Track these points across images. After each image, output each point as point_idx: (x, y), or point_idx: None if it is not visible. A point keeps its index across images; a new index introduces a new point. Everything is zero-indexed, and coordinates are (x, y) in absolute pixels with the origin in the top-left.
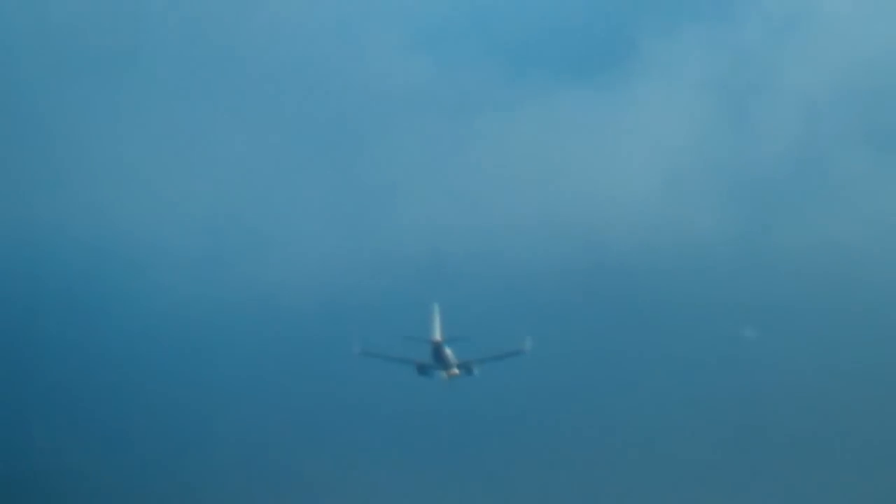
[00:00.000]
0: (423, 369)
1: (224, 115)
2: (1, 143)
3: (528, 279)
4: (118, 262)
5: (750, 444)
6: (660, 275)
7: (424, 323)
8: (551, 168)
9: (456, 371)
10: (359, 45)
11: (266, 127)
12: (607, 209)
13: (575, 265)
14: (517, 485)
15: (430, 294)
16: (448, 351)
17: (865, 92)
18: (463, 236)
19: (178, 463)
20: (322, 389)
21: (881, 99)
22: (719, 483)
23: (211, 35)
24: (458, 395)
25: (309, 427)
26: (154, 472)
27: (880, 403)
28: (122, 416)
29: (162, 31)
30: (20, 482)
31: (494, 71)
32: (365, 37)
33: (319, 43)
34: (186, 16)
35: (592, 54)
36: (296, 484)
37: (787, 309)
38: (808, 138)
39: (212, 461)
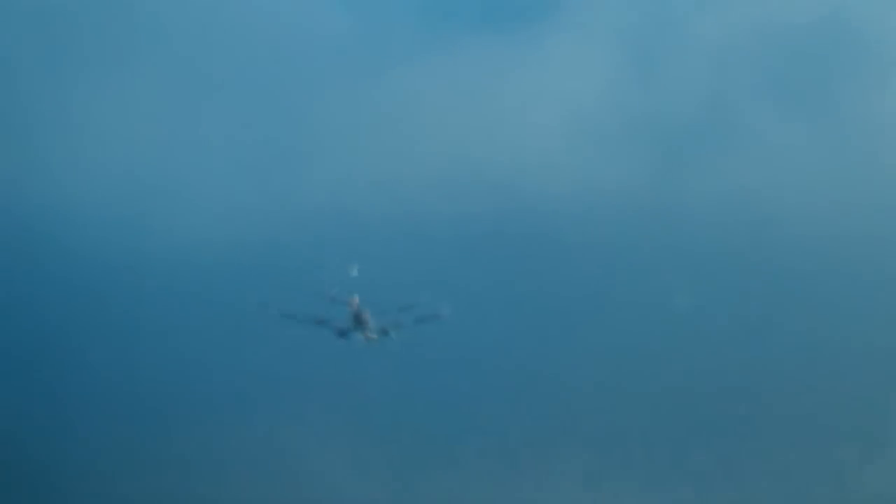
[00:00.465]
0: (341, 332)
1: (127, 65)
2: None
3: (443, 233)
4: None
5: (654, 398)
6: (572, 223)
7: (344, 285)
8: (465, 119)
9: (374, 335)
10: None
11: (174, 79)
12: (521, 160)
13: (489, 218)
14: (437, 446)
15: (346, 252)
16: (366, 314)
17: (775, 45)
18: (376, 190)
19: (86, 428)
20: (236, 350)
21: (790, 52)
22: (624, 438)
23: None
24: (377, 357)
25: (221, 390)
26: (50, 434)
27: (788, 347)
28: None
29: None
30: None
31: (407, 22)
32: None
33: None
34: None
35: (505, 4)
36: (207, 448)
37: (695, 254)
38: (718, 90)
39: (117, 429)
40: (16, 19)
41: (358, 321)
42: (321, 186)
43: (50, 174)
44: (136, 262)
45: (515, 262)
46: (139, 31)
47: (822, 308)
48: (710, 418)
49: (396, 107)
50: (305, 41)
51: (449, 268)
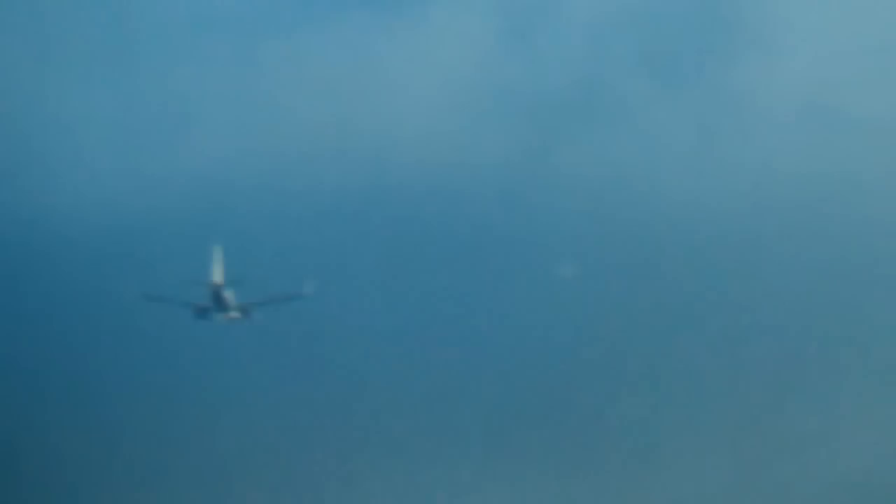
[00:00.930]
0: (201, 312)
1: None
2: None
3: (315, 209)
4: None
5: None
6: (448, 197)
7: (205, 262)
8: (338, 92)
9: (236, 314)
10: None
11: (41, 40)
12: (395, 133)
13: (363, 193)
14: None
15: (213, 228)
16: (228, 293)
17: (650, 20)
18: (248, 165)
19: None
20: (91, 331)
21: (665, 27)
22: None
23: None
24: (238, 337)
25: (84, 371)
26: None
27: (662, 320)
28: None
29: None
30: None
31: None
32: None
33: None
34: None
35: None
36: (71, 427)
37: (568, 226)
38: (592, 64)
39: None
40: None
41: (218, 301)
42: (196, 160)
43: None
44: None
45: (389, 235)
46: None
47: (694, 279)
48: (571, 388)
49: (271, 80)
50: (180, 14)
51: (322, 242)
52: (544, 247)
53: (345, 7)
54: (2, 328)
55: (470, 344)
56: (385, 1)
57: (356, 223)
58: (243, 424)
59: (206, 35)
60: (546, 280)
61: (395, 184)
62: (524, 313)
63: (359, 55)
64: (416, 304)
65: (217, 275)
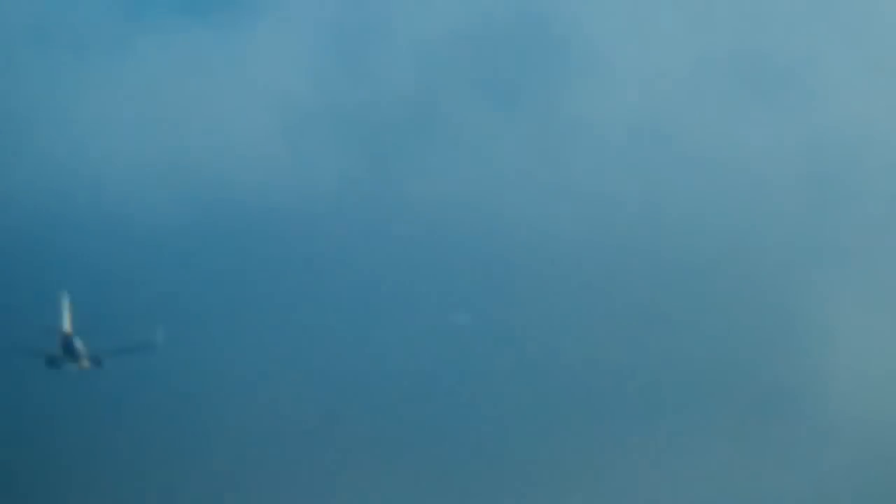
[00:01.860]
0: (51, 361)
1: None
2: None
3: (147, 237)
4: None
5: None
6: (281, 223)
7: (50, 307)
8: (168, 111)
9: (86, 363)
10: None
11: None
12: (226, 155)
13: (194, 217)
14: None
15: (51, 258)
16: (78, 342)
17: (482, 42)
18: (77, 188)
19: None
20: None
21: (497, 49)
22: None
23: None
24: (92, 387)
25: None
26: None
27: (510, 341)
28: None
29: None
30: None
31: (108, 8)
32: None
33: None
34: None
35: None
36: None
37: (408, 254)
38: (424, 86)
39: None
40: None
41: (68, 349)
42: (16, 179)
43: None
44: None
45: (228, 267)
46: None
47: (531, 299)
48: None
49: (98, 98)
50: (9, 27)
51: (157, 269)
52: (383, 267)
53: (171, 23)
54: None
55: (325, 380)
56: (214, 18)
57: (195, 258)
58: (98, 474)
59: (27, 50)
60: (384, 303)
61: (230, 210)
62: (365, 338)
63: (186, 73)
64: (264, 339)
65: (66, 323)
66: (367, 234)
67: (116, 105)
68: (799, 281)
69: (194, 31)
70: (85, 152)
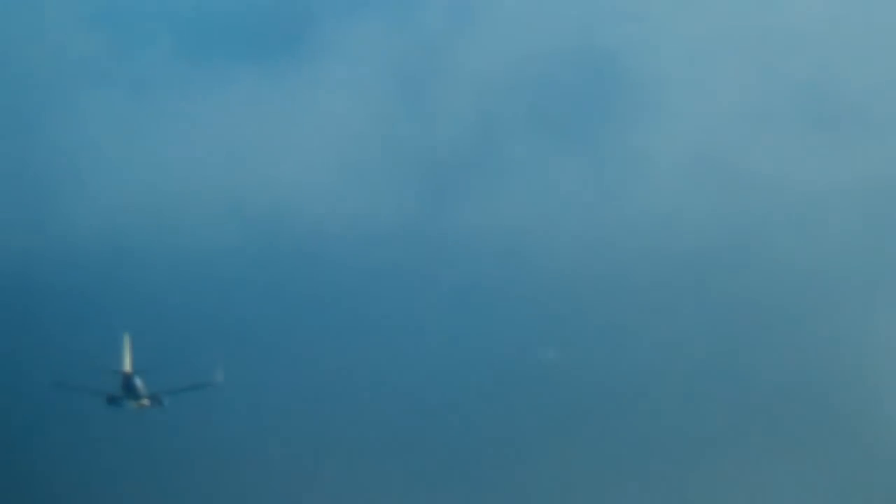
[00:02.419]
0: (112, 400)
1: None
2: None
3: (215, 275)
4: None
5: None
6: (349, 263)
7: (110, 344)
8: (232, 152)
9: (146, 402)
10: (32, 18)
11: None
12: (290, 195)
13: (262, 255)
14: None
15: (114, 297)
16: (138, 381)
17: (537, 80)
18: (145, 226)
19: None
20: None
21: (551, 87)
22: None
23: None
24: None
25: None
26: None
27: (555, 378)
28: None
29: None
30: None
31: (171, 51)
32: (39, 10)
33: None
34: None
35: (271, 35)
36: None
37: (473, 287)
38: (483, 124)
39: None
40: None
41: (128, 388)
42: (80, 217)
43: None
44: None
45: (292, 302)
46: None
47: (597, 335)
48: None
49: (161, 135)
50: (71, 69)
51: (220, 307)
52: (446, 302)
53: (237, 63)
54: None
55: (377, 416)
56: (278, 57)
57: (254, 284)
58: None
59: (91, 91)
60: (451, 339)
61: (293, 244)
62: (421, 365)
63: (252, 112)
64: (324, 373)
65: (127, 363)
66: (427, 270)
67: (182, 143)
68: (855, 314)
69: (257, 71)
70: (147, 184)
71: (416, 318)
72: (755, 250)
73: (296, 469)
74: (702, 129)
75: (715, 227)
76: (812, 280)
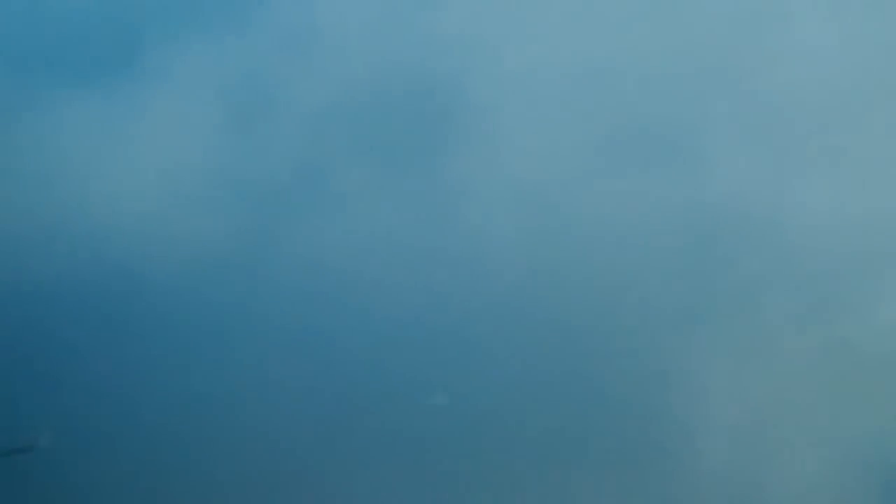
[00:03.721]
0: None
1: None
2: None
3: (27, 308)
4: None
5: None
6: (169, 288)
7: None
8: (51, 177)
9: None
10: None
11: None
12: (113, 224)
13: (81, 284)
14: None
15: None
16: None
17: (366, 109)
18: None
19: None
20: None
21: (381, 116)
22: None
23: None
24: None
25: None
26: None
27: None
28: None
29: None
30: None
31: None
32: None
33: None
34: None
35: (93, 59)
36: None
37: (289, 315)
38: (310, 151)
39: None
40: None
41: None
42: None
43: None
44: None
45: (111, 331)
46: None
47: (425, 379)
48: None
49: None
50: None
51: (36, 346)
52: (278, 328)
53: (59, 89)
54: None
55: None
56: (100, 86)
57: (75, 318)
58: None
59: None
60: (284, 364)
61: (114, 275)
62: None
63: (74, 139)
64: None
65: None
66: (255, 298)
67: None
68: (674, 341)
69: (80, 97)
70: None
71: (254, 345)
72: (578, 281)
73: None
74: (526, 160)
75: (538, 258)
76: (634, 315)
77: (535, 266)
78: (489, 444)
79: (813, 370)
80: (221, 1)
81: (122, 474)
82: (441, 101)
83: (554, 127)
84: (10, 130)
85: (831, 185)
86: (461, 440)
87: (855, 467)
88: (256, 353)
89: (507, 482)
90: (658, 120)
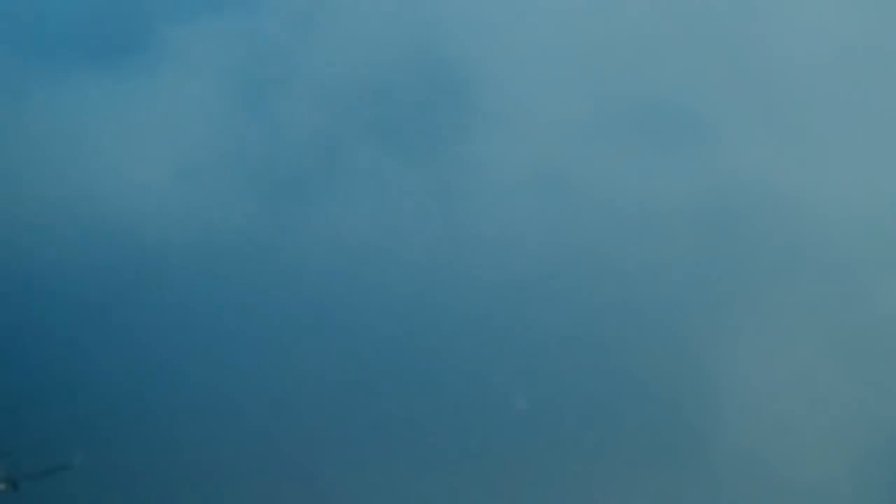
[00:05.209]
0: None
1: None
2: None
3: (44, 292)
4: None
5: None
6: (190, 271)
7: None
8: (68, 160)
9: (1, 486)
10: None
11: None
12: (133, 203)
13: (100, 269)
14: None
15: None
16: None
17: (382, 89)
18: None
19: None
20: None
21: (397, 96)
22: None
23: None
24: None
25: None
26: None
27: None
28: None
29: None
30: None
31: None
32: None
33: None
34: None
35: (108, 40)
36: None
37: (309, 294)
38: (327, 131)
39: None
40: None
41: None
42: None
43: None
44: None
45: (134, 319)
46: None
47: (433, 352)
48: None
49: None
50: None
51: (59, 337)
52: (294, 310)
53: (72, 71)
54: None
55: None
56: (115, 68)
57: (96, 302)
58: None
59: None
60: (302, 346)
61: (136, 258)
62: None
63: (89, 121)
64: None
65: None
66: (274, 277)
67: (5, 155)
68: (693, 326)
69: (93, 79)
70: None
71: (252, 334)
72: (594, 263)
73: None
74: (541, 141)
75: (554, 239)
76: (653, 297)
77: (555, 251)
78: (515, 427)
79: (836, 354)
80: None
81: (155, 453)
82: (457, 82)
83: (568, 108)
84: (25, 111)
85: (856, 170)
86: (481, 424)
87: (878, 449)
88: (276, 333)
89: (535, 464)
90: (671, 101)
